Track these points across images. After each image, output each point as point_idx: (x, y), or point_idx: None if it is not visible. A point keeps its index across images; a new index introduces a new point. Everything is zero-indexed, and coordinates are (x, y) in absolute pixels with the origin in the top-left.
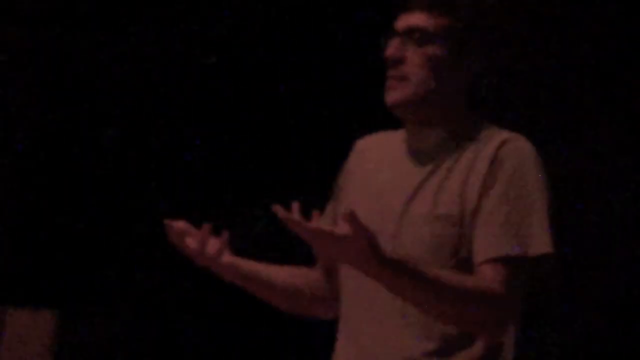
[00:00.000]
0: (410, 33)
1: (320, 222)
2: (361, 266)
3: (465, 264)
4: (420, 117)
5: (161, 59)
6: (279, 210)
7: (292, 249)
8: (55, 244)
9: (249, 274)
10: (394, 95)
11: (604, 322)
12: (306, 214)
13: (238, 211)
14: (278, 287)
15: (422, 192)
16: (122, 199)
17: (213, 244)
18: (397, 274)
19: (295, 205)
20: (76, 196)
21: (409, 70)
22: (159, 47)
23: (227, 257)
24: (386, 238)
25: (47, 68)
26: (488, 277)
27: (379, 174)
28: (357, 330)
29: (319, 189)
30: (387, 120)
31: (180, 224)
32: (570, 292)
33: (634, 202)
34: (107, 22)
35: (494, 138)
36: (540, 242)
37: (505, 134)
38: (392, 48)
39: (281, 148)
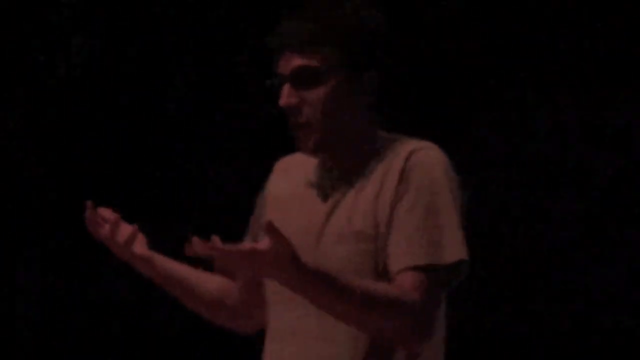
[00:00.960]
0: (297, 76)
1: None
2: (283, 277)
3: (384, 278)
4: (335, 151)
5: None
6: (197, 243)
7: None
8: None
9: (167, 272)
10: (305, 146)
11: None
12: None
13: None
14: (197, 294)
15: (337, 211)
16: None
17: (124, 233)
18: (318, 283)
19: (216, 239)
20: None
21: (309, 116)
22: None
23: (141, 250)
24: (305, 257)
25: None
26: (405, 285)
27: (297, 194)
28: (282, 349)
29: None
30: None
31: (104, 211)
32: None
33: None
34: None
35: (403, 149)
36: (453, 250)
37: (413, 144)
38: (285, 97)
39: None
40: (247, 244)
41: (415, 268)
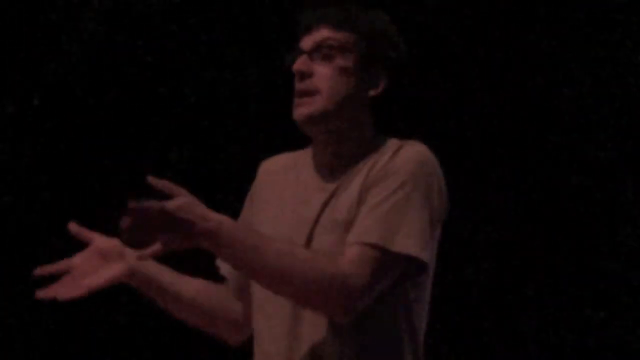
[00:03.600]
0: (317, 49)
1: None
2: (199, 233)
3: None
4: (329, 131)
5: None
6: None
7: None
8: None
9: (151, 278)
10: (304, 109)
11: None
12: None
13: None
14: (184, 301)
15: (332, 202)
16: None
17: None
18: (229, 238)
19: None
20: None
21: (319, 83)
22: None
23: (123, 268)
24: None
25: None
26: (346, 256)
27: (289, 190)
28: (269, 354)
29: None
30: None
31: (85, 233)
32: None
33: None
34: None
35: (393, 145)
36: (406, 242)
37: (403, 142)
38: (300, 63)
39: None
40: (155, 203)
41: (365, 244)
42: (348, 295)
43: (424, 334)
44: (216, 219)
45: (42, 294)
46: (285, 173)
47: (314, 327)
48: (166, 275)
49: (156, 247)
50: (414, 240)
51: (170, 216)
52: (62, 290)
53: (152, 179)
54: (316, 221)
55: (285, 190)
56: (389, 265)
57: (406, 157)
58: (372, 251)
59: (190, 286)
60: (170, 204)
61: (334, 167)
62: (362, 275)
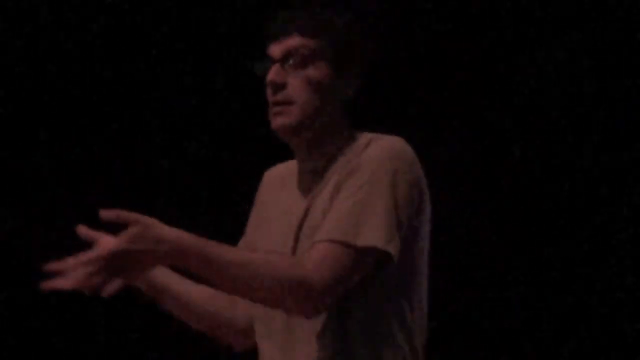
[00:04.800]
0: (288, 57)
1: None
2: (164, 255)
3: None
4: (307, 138)
5: None
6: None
7: None
8: None
9: (157, 282)
10: (281, 120)
11: None
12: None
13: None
14: (192, 306)
15: (313, 208)
16: None
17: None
18: (190, 254)
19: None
20: None
21: (293, 94)
22: None
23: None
24: (288, 251)
25: None
26: (310, 256)
27: (281, 198)
28: (268, 350)
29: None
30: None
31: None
32: None
33: None
34: None
35: (365, 140)
36: (372, 235)
37: (375, 135)
38: (273, 74)
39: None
40: (81, 255)
41: (329, 241)
42: (307, 295)
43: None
44: (171, 239)
45: (49, 285)
46: (281, 181)
47: (304, 328)
48: (176, 282)
49: (118, 284)
50: (379, 232)
51: (122, 252)
52: (65, 283)
53: (103, 212)
54: (299, 228)
55: (278, 199)
56: (356, 259)
57: (372, 153)
58: (336, 248)
59: (195, 292)
60: (111, 244)
61: (317, 171)
62: (322, 273)
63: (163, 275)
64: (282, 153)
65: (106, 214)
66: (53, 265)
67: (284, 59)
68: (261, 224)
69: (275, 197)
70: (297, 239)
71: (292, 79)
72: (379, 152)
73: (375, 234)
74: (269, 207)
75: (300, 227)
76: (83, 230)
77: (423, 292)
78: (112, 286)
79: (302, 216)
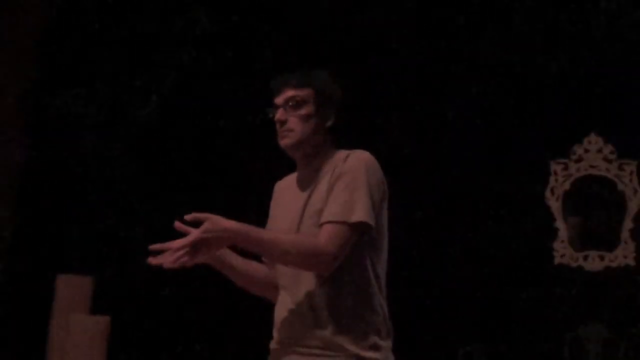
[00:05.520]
0: (288, 102)
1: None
2: (223, 240)
3: None
4: (304, 153)
5: None
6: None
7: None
8: None
9: (225, 261)
10: (285, 141)
11: None
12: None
13: None
14: (243, 274)
15: (310, 200)
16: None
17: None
18: (244, 238)
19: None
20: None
21: (293, 126)
22: None
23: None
24: (295, 227)
25: None
26: (323, 233)
27: (288, 195)
28: (282, 311)
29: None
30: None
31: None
32: None
33: None
34: None
35: (345, 154)
36: (360, 213)
37: (352, 151)
38: (279, 114)
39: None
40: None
41: (333, 222)
42: (325, 260)
43: (384, 282)
44: (234, 228)
45: (154, 260)
46: (288, 188)
47: (308, 279)
48: (234, 259)
49: (203, 257)
50: (364, 212)
51: (201, 239)
52: (166, 260)
53: (178, 224)
54: (302, 212)
55: (286, 198)
56: (351, 232)
57: (351, 162)
58: (337, 226)
59: (249, 266)
60: (193, 235)
61: (311, 176)
62: (331, 245)
63: (226, 255)
64: (287, 169)
65: (188, 216)
66: (156, 246)
67: (285, 104)
68: (276, 214)
69: (284, 196)
70: (301, 218)
71: (291, 117)
72: (356, 162)
73: (361, 212)
74: (280, 203)
75: (303, 210)
76: (178, 224)
77: (385, 251)
78: (193, 262)
79: (304, 203)
